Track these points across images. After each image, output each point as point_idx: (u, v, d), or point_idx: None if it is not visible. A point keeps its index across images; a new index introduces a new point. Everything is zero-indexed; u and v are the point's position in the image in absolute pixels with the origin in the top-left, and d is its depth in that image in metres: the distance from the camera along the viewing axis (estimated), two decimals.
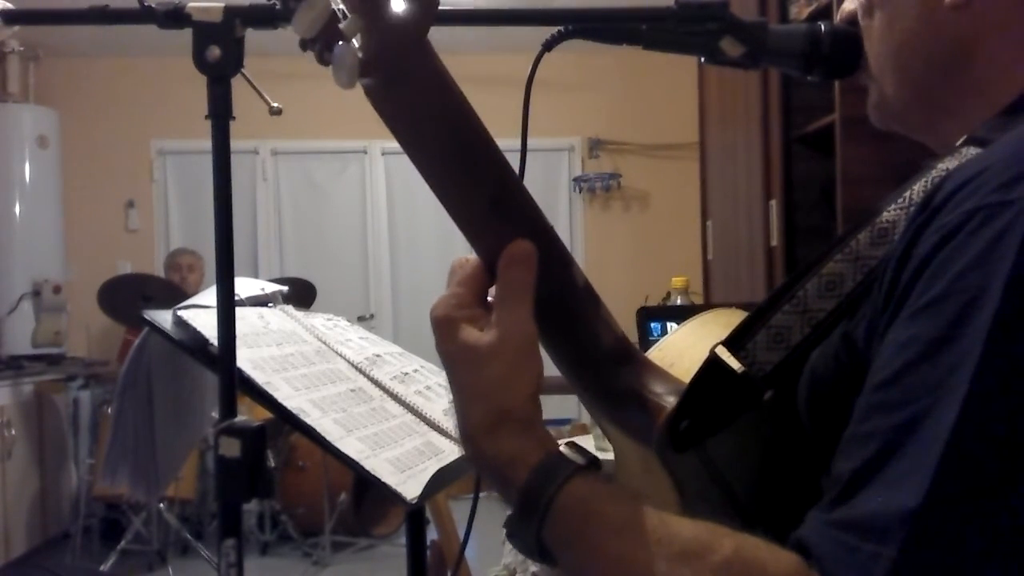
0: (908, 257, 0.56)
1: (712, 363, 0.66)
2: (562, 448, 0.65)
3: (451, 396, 0.68)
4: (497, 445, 0.65)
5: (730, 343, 0.66)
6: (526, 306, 0.65)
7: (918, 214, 0.57)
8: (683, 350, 0.76)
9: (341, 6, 0.60)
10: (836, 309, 0.64)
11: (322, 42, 0.59)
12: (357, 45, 0.59)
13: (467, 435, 0.67)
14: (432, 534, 2.12)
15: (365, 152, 6.26)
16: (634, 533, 0.59)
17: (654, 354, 0.77)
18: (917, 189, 0.60)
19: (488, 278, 0.68)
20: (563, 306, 0.69)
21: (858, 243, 0.64)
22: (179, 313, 1.37)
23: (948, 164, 0.62)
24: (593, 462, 0.65)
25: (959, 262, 0.52)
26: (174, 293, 4.45)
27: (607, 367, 0.72)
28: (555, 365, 0.73)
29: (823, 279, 0.65)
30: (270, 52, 5.13)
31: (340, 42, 0.59)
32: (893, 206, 0.63)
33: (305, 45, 0.61)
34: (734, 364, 0.65)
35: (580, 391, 0.75)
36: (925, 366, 0.52)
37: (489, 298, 0.68)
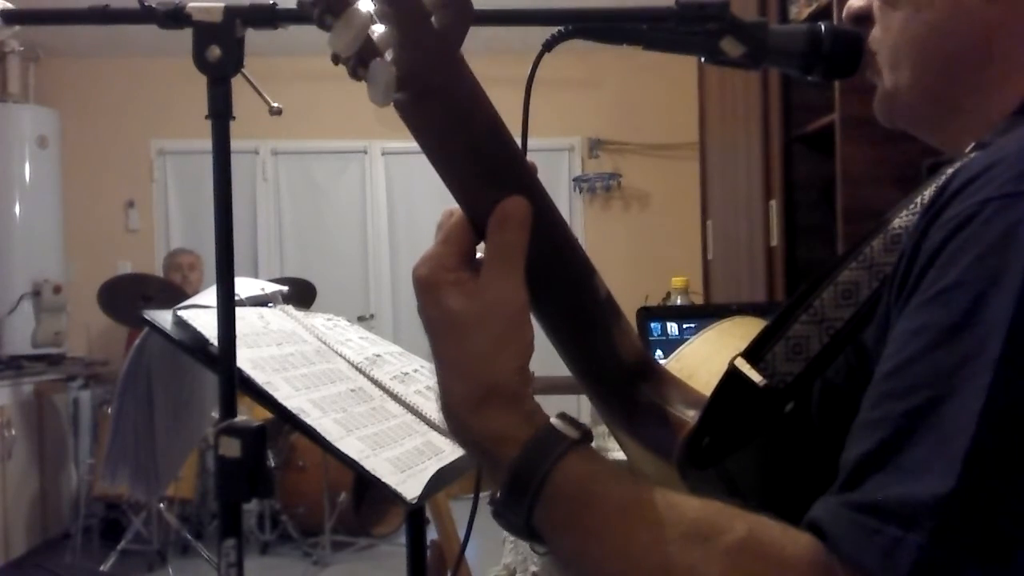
0: (918, 251, 0.55)
1: (732, 376, 0.65)
2: (553, 421, 0.62)
3: (432, 366, 0.64)
4: (483, 422, 0.61)
5: (749, 355, 0.65)
6: (518, 271, 0.62)
7: (928, 210, 0.57)
8: (702, 361, 0.75)
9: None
10: (853, 318, 0.64)
11: (356, 57, 0.58)
12: (390, 59, 0.58)
13: (450, 410, 0.64)
14: (432, 534, 2.12)
15: (365, 152, 6.26)
16: (637, 513, 0.57)
17: (672, 365, 0.76)
18: (928, 194, 0.60)
19: (475, 236, 0.64)
20: (584, 317, 0.69)
21: (872, 250, 0.64)
22: (179, 313, 1.37)
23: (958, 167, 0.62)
24: (586, 435, 0.62)
25: (972, 250, 0.52)
26: (174, 293, 4.45)
27: (627, 380, 0.71)
28: (572, 375, 0.73)
29: (839, 287, 0.64)
30: (270, 52, 5.14)
31: (376, 59, 0.58)
32: (905, 212, 0.63)
33: (338, 60, 0.60)
34: (754, 377, 0.64)
35: (597, 402, 0.74)
36: (939, 353, 0.51)
37: (479, 255, 0.65)
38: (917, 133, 0.77)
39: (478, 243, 0.64)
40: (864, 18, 0.77)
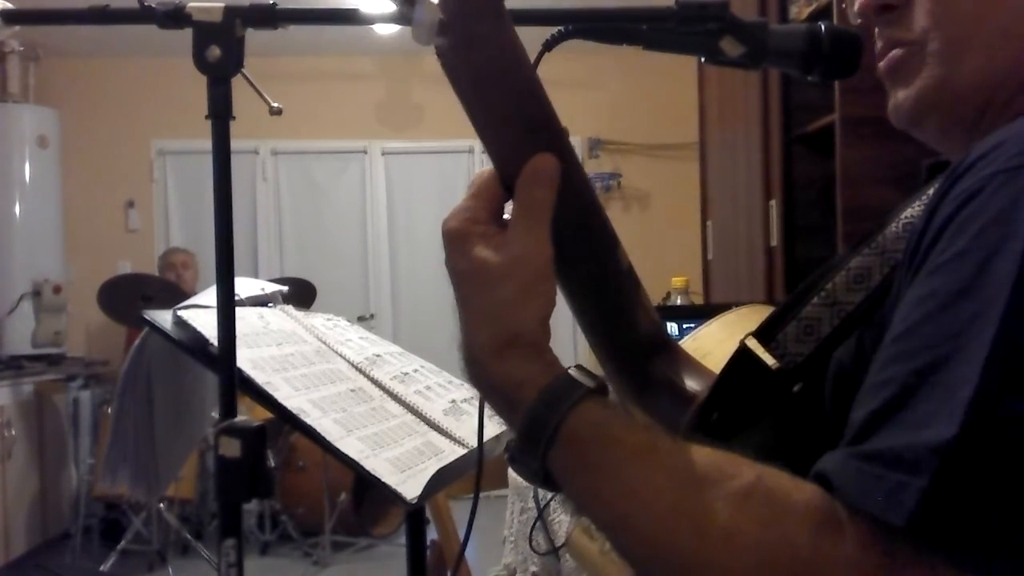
0: (928, 227, 0.56)
1: (742, 353, 0.66)
2: (571, 371, 0.64)
3: (456, 314, 0.66)
4: (504, 368, 0.63)
5: (760, 334, 0.66)
6: (544, 226, 0.64)
7: (939, 189, 0.57)
8: (718, 343, 0.77)
9: None
10: (864, 301, 0.65)
11: None
12: (438, 2, 0.59)
13: (472, 357, 0.65)
14: (432, 534, 2.12)
15: (365, 152, 6.26)
16: (649, 458, 0.58)
17: (688, 344, 0.78)
18: (940, 186, 0.60)
19: (504, 193, 0.66)
20: (605, 285, 0.70)
21: (885, 238, 0.65)
22: (179, 313, 1.36)
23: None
24: (603, 387, 0.63)
25: (979, 220, 0.52)
26: (174, 293, 4.45)
27: (642, 352, 0.73)
28: (588, 344, 0.74)
29: (851, 272, 0.65)
30: (270, 52, 5.14)
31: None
32: (917, 203, 0.64)
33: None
34: (764, 355, 0.65)
35: (610, 372, 0.75)
36: (946, 315, 0.52)
37: (505, 216, 0.66)
38: (936, 136, 0.72)
39: (507, 200, 0.66)
40: (890, 7, 0.71)
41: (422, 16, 0.59)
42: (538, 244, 0.63)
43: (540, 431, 0.61)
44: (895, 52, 0.71)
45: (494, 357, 0.63)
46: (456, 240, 0.65)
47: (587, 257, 0.68)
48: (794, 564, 0.52)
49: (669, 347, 0.75)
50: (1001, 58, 0.66)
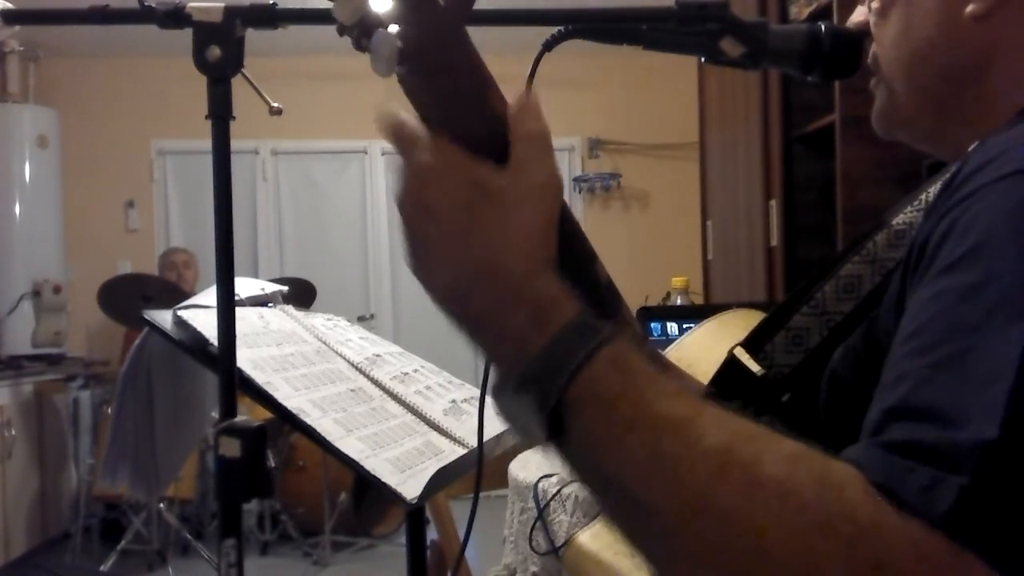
0: (935, 228, 0.55)
1: (730, 364, 0.65)
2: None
3: (435, 244, 0.58)
4: (543, 282, 0.57)
5: (748, 345, 0.65)
6: (552, 156, 0.59)
7: (940, 194, 0.57)
8: (703, 351, 0.76)
9: None
10: (854, 311, 0.64)
11: (360, 28, 0.58)
12: (396, 32, 0.58)
13: (497, 266, 0.57)
14: (432, 534, 2.12)
15: (365, 152, 6.26)
16: (697, 406, 0.53)
17: (673, 354, 0.77)
18: (932, 191, 0.60)
19: None
20: (584, 300, 0.69)
21: (875, 245, 0.64)
22: (179, 313, 1.36)
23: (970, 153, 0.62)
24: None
25: (987, 218, 0.52)
26: (174, 293, 4.46)
27: None
28: None
29: (841, 281, 0.65)
30: (270, 52, 5.13)
31: (379, 29, 0.58)
32: (909, 208, 0.63)
33: (343, 31, 0.60)
34: (753, 366, 0.64)
35: None
36: (962, 309, 0.50)
37: None
38: (915, 143, 0.77)
39: None
40: (866, 33, 0.78)
41: (380, 47, 0.57)
42: (555, 171, 0.59)
43: (582, 342, 0.54)
44: (873, 69, 0.77)
45: (534, 272, 0.57)
46: (442, 170, 0.58)
47: (564, 271, 0.67)
48: (854, 527, 0.47)
49: (655, 360, 0.74)
50: (922, 85, 0.72)
